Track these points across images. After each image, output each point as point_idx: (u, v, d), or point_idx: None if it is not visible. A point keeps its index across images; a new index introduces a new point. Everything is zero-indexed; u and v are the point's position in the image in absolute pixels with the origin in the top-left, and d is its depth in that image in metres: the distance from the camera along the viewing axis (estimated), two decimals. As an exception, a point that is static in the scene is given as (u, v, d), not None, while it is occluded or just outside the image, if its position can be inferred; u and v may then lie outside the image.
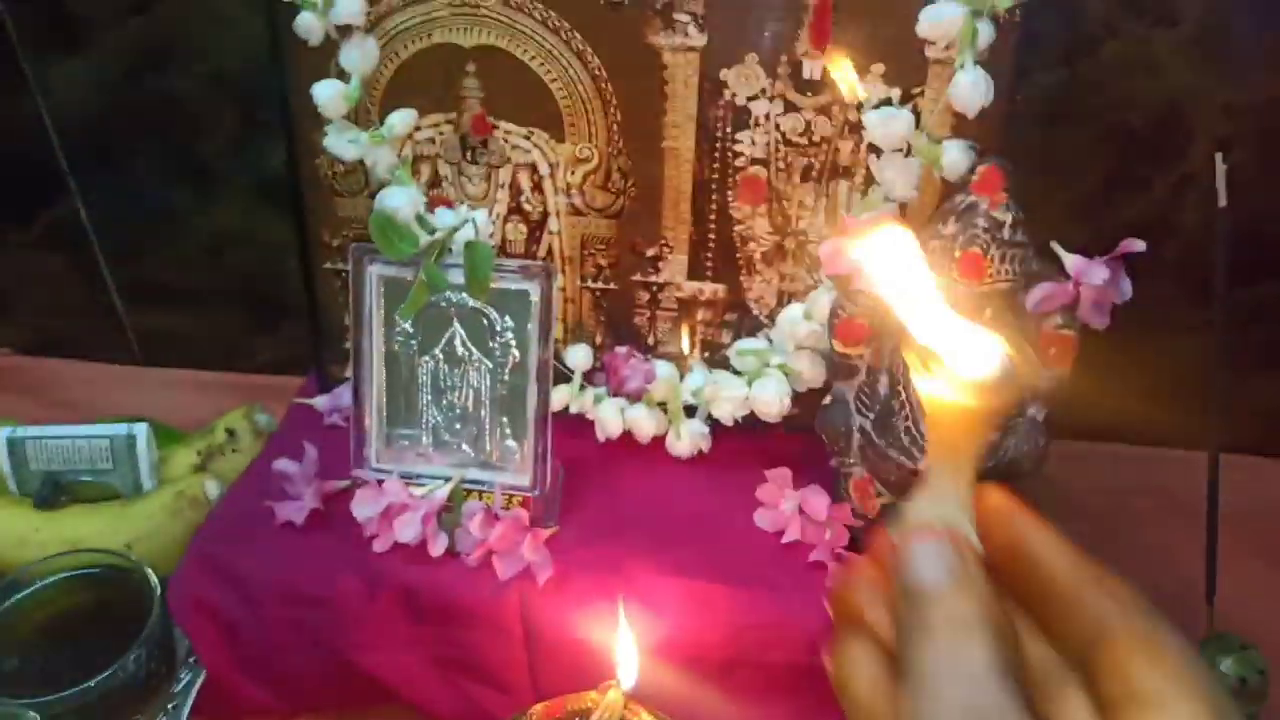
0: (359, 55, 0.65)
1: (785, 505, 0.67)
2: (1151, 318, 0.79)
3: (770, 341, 0.71)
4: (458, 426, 0.67)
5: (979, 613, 0.23)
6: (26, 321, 0.97)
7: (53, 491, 0.75)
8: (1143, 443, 0.84)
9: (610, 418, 0.71)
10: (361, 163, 0.69)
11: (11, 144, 0.86)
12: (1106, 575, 0.25)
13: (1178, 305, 0.77)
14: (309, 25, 0.63)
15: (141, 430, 0.76)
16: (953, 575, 0.23)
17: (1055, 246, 0.56)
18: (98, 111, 0.83)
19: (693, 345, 0.75)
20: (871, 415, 0.61)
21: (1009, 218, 0.54)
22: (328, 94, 0.65)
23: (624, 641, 0.53)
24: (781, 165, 0.68)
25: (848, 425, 0.63)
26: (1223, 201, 0.55)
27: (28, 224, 0.90)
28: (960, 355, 0.25)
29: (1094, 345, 0.58)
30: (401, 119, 0.68)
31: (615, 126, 0.68)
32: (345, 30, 0.64)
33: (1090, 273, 0.54)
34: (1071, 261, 0.55)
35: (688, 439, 0.71)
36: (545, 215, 0.72)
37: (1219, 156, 0.55)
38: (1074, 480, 0.75)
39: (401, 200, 0.67)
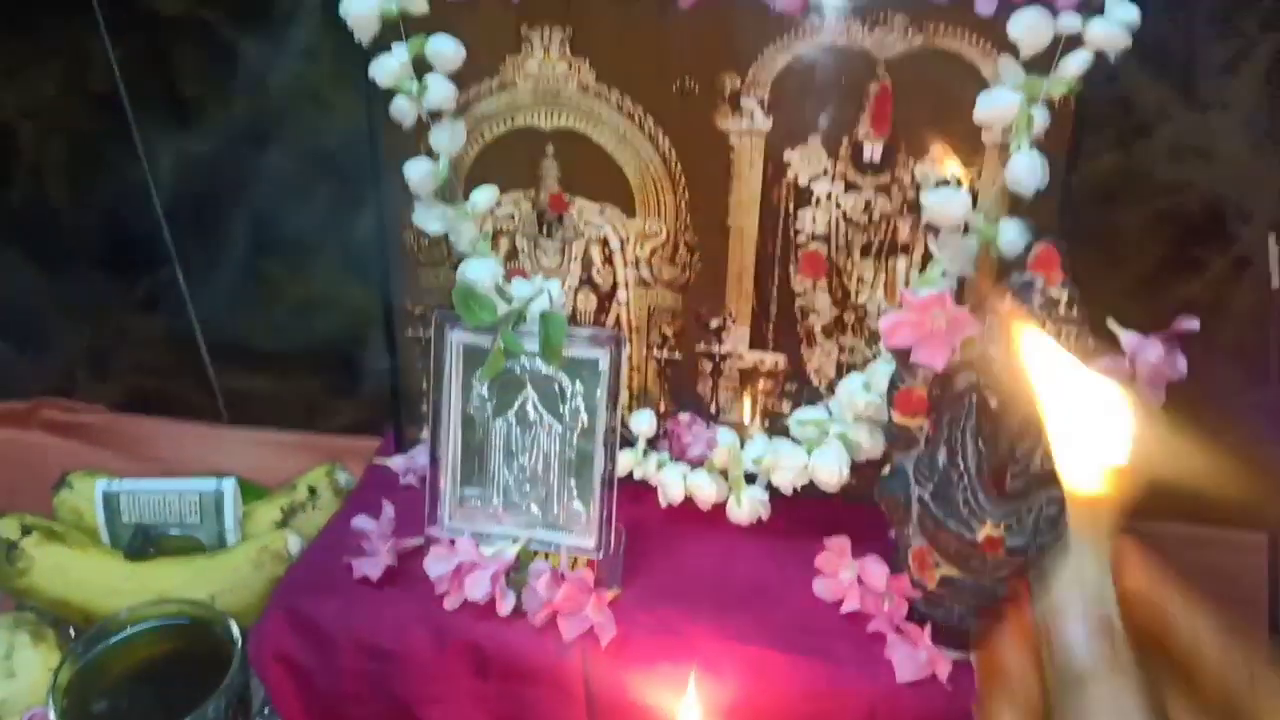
0: (448, 137, 0.68)
1: (844, 574, 0.67)
2: (1207, 397, 0.79)
3: (830, 412, 0.72)
4: (527, 488, 0.69)
5: (1136, 700, 0.24)
6: (121, 381, 1.01)
7: (142, 543, 0.78)
8: (1200, 522, 0.83)
9: (673, 483, 0.72)
10: (445, 235, 0.72)
11: (119, 212, 0.91)
12: (1245, 644, 0.26)
13: (1233, 386, 0.77)
14: (403, 110, 0.67)
15: (229, 486, 0.80)
16: (1108, 660, 0.25)
17: (1111, 323, 0.57)
18: (201, 184, 0.88)
19: (754, 414, 0.77)
20: (930, 486, 0.62)
21: (1065, 295, 0.55)
22: (419, 173, 0.69)
23: (690, 708, 0.54)
24: (842, 242, 0.70)
25: (907, 496, 0.63)
26: (1276, 283, 0.55)
27: (130, 288, 0.95)
28: (1096, 440, 0.27)
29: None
30: (485, 196, 0.71)
31: (683, 205, 0.72)
32: (436, 114, 0.68)
33: (1145, 350, 0.55)
34: (1127, 339, 0.56)
35: (748, 506, 0.71)
36: (614, 287, 0.75)
37: (1272, 238, 0.56)
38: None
39: (482, 271, 0.70)
